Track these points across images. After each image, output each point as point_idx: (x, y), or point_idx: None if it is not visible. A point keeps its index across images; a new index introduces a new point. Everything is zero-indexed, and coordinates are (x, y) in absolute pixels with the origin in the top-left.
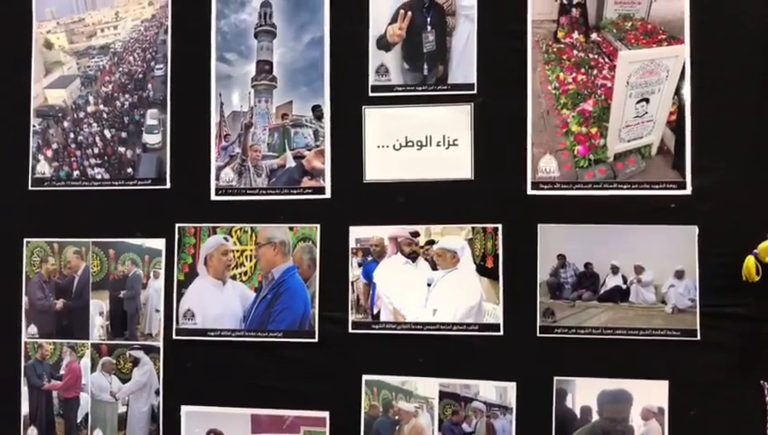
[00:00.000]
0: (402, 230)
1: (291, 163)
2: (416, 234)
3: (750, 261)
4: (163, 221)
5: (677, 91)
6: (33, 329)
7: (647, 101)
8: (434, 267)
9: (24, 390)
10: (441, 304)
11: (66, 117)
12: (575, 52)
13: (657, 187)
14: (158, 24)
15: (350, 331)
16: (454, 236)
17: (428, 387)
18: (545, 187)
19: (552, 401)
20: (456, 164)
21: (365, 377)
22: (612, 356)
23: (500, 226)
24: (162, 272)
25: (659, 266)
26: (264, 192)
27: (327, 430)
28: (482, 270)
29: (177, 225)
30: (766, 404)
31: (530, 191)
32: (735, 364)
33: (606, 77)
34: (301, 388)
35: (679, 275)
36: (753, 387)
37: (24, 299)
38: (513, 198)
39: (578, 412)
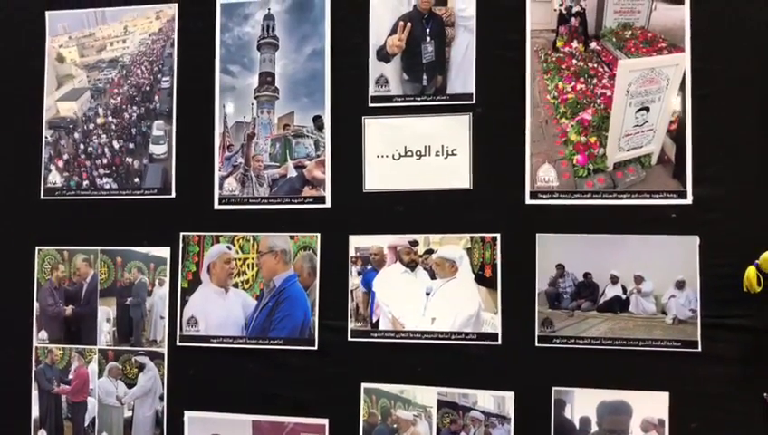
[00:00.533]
0: (401, 239)
1: (292, 173)
2: (415, 243)
3: (751, 272)
4: (168, 230)
5: (678, 100)
6: (44, 334)
7: (647, 109)
8: (432, 276)
9: (35, 393)
10: (440, 313)
11: (77, 128)
12: (574, 61)
13: (657, 196)
14: (164, 37)
15: (350, 339)
16: (452, 246)
17: (427, 396)
18: (544, 196)
19: (550, 412)
20: (455, 174)
21: (364, 385)
22: (612, 367)
23: (498, 235)
24: (167, 280)
25: (660, 276)
26: (266, 201)
27: None
28: (480, 279)
29: (181, 233)
30: None
31: (528, 201)
32: (737, 376)
33: (605, 86)
34: (301, 395)
35: (680, 285)
36: (755, 399)
37: (36, 305)
38: (511, 208)
39: (577, 423)
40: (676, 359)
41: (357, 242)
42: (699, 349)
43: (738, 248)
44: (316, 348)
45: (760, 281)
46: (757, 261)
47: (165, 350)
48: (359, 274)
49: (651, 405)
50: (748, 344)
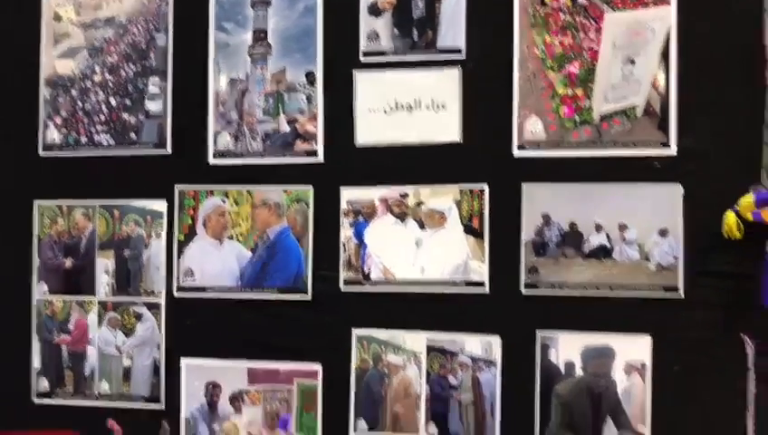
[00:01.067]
0: (392, 192)
1: (285, 127)
2: (405, 195)
3: (731, 217)
4: (164, 184)
5: (663, 53)
6: (44, 287)
7: (633, 62)
8: (422, 227)
9: (36, 344)
10: (429, 263)
11: (74, 86)
12: (562, 15)
13: (642, 147)
14: None
15: (342, 288)
16: (442, 197)
17: (416, 341)
18: (531, 148)
19: (536, 356)
20: (445, 127)
21: (356, 332)
22: (596, 312)
23: (486, 186)
24: (163, 232)
25: (644, 225)
26: (260, 156)
27: (319, 382)
28: (469, 230)
29: (177, 187)
30: (747, 357)
31: (516, 153)
32: (718, 320)
33: (592, 39)
34: (295, 342)
35: (663, 233)
36: (735, 343)
37: (36, 259)
38: (499, 160)
39: (562, 367)
40: (659, 304)
41: (349, 195)
42: (681, 295)
43: (720, 197)
44: (310, 298)
45: (740, 227)
46: (736, 207)
47: (162, 300)
48: (350, 225)
49: (634, 349)
50: (729, 290)
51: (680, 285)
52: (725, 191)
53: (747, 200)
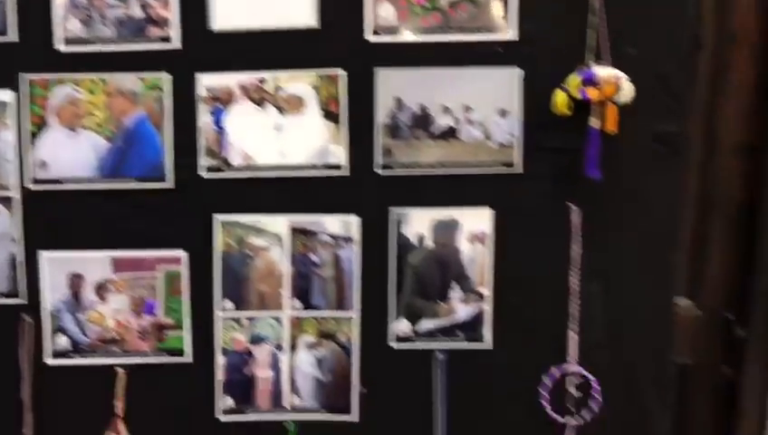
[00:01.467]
0: (250, 77)
1: (137, 13)
2: (263, 81)
3: (560, 96)
4: (10, 73)
5: None
6: None
7: None
8: (281, 112)
9: None
10: (289, 148)
11: None
12: None
13: (486, 32)
14: None
15: (203, 175)
16: (300, 83)
17: (279, 224)
18: (384, 33)
19: (390, 232)
20: (301, 12)
21: (218, 217)
22: (444, 188)
23: (343, 71)
24: (12, 124)
25: (486, 106)
26: (112, 42)
27: (185, 267)
28: (327, 114)
29: (25, 76)
30: (572, 223)
31: (369, 38)
32: (551, 192)
33: None
34: (158, 231)
35: (503, 113)
36: (564, 211)
37: None
38: (354, 45)
39: (414, 240)
40: (500, 179)
41: (206, 81)
42: (519, 169)
43: (554, 79)
44: (170, 185)
45: (569, 105)
46: (565, 85)
47: (16, 194)
48: (210, 113)
49: (477, 220)
50: (561, 164)
51: (517, 160)
52: (558, 73)
53: (574, 79)
